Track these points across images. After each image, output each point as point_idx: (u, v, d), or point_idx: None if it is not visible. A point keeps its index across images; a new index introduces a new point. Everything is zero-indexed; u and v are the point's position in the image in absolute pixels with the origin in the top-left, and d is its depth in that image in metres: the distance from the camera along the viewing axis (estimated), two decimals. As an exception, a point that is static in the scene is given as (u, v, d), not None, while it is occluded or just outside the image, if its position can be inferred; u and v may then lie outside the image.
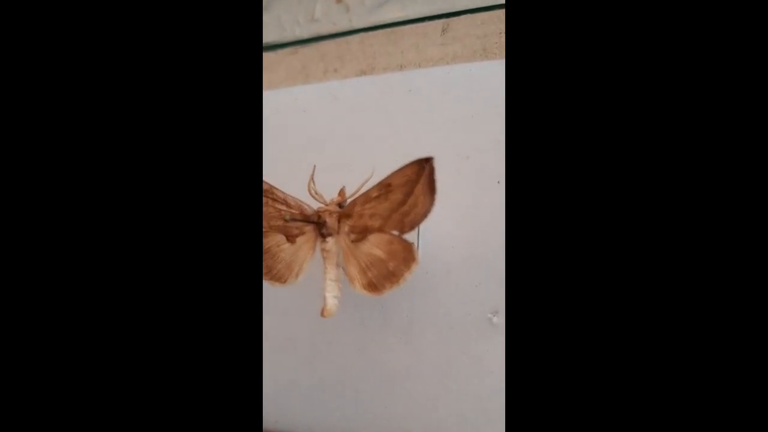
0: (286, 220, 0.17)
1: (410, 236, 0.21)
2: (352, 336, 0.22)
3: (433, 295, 0.20)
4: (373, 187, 0.17)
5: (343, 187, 0.19)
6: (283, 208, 0.19)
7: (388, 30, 0.24)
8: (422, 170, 0.16)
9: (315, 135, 0.23)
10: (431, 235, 0.20)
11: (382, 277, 0.17)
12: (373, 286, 0.17)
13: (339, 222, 0.18)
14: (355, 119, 0.23)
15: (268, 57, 0.27)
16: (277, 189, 0.19)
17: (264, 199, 0.19)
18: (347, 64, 0.25)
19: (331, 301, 0.18)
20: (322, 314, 0.18)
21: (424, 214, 0.16)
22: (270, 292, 0.24)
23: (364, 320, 0.22)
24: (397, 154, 0.20)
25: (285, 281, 0.19)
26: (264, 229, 0.19)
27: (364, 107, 0.22)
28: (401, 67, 0.24)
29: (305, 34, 0.26)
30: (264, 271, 0.19)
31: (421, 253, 0.21)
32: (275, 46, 0.27)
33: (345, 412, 0.22)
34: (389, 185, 0.17)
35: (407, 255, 0.16)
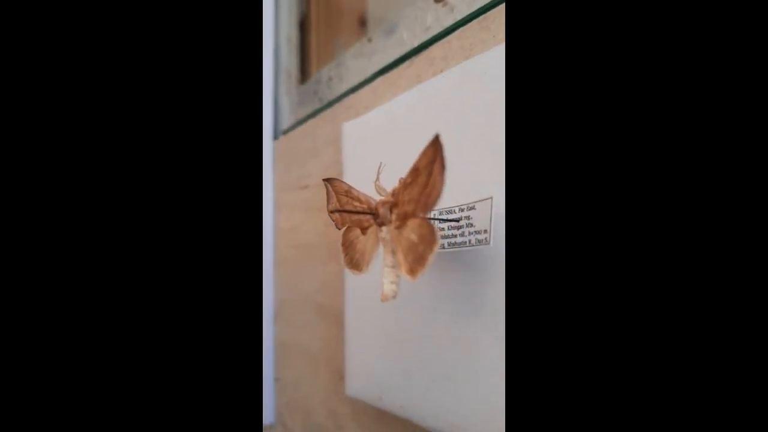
0: (331, 212, 0.19)
1: (485, 224, 0.20)
2: (455, 329, 0.22)
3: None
4: (408, 174, 0.17)
5: (401, 177, 0.19)
6: (357, 204, 0.21)
7: (480, 18, 0.24)
8: (437, 148, 0.16)
9: (412, 133, 0.25)
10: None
11: (415, 261, 0.17)
12: (412, 271, 0.17)
13: (391, 211, 0.19)
14: (439, 111, 0.23)
15: (388, 77, 0.30)
16: (353, 188, 0.21)
17: (345, 199, 0.21)
18: (451, 62, 0.26)
19: (388, 287, 0.19)
20: (381, 299, 0.19)
21: (440, 192, 0.16)
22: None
23: (459, 313, 0.21)
24: (478, 136, 0.20)
25: (361, 269, 0.21)
26: (347, 225, 0.22)
27: (445, 98, 0.23)
28: (492, 51, 0.23)
29: (418, 44, 0.28)
30: (347, 261, 0.21)
31: (493, 241, 0.19)
32: (395, 63, 0.30)
33: (452, 402, 0.22)
34: (417, 169, 0.17)
35: (432, 237, 0.16)
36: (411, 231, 0.17)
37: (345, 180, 0.30)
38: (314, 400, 0.37)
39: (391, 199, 0.19)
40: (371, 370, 0.28)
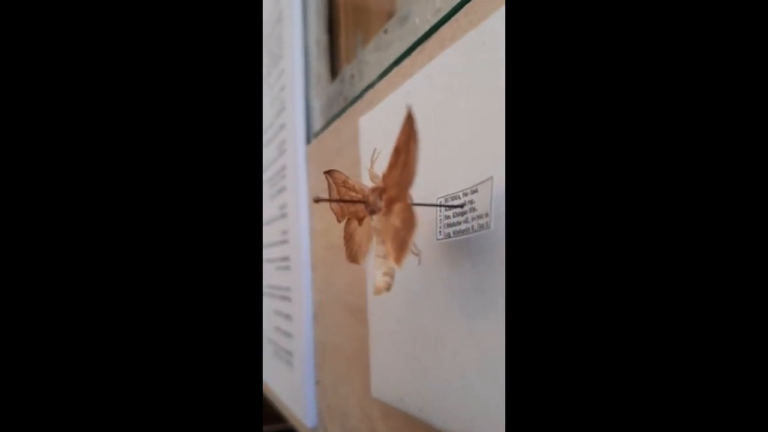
0: (315, 201, 0.18)
1: (486, 207, 0.18)
2: (467, 325, 0.20)
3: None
4: (391, 155, 0.16)
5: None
6: (353, 194, 0.20)
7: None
8: (410, 122, 0.14)
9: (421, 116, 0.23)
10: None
11: (398, 247, 0.15)
12: (397, 259, 0.16)
13: (381, 198, 0.18)
14: (444, 91, 0.21)
15: (402, 66, 0.29)
16: (350, 178, 0.20)
17: (343, 189, 0.21)
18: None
19: (380, 279, 0.17)
20: (374, 293, 0.18)
21: (415, 170, 0.14)
22: (402, 286, 0.25)
23: (470, 308, 0.20)
24: (481, 110, 0.18)
25: (359, 261, 0.20)
26: (347, 217, 0.21)
27: (448, 76, 0.21)
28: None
29: (429, 28, 0.27)
30: (348, 254, 0.21)
31: (495, 225, 0.17)
32: (408, 52, 0.28)
33: (461, 401, 0.20)
34: (398, 148, 0.16)
35: (411, 220, 0.15)
36: (396, 216, 0.16)
37: (362, 173, 0.29)
38: (350, 403, 0.36)
39: (381, 185, 0.18)
40: (393, 371, 0.27)
